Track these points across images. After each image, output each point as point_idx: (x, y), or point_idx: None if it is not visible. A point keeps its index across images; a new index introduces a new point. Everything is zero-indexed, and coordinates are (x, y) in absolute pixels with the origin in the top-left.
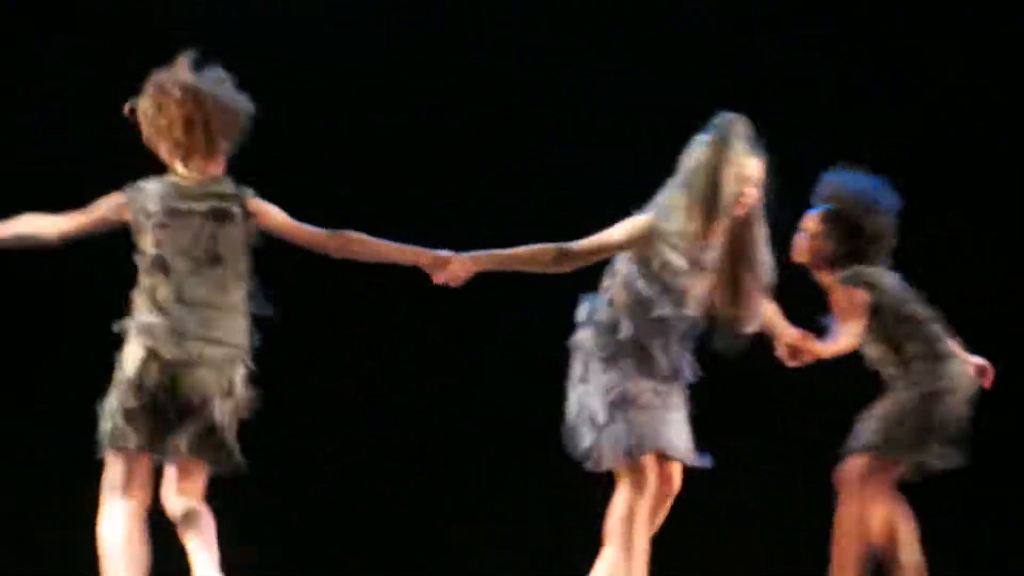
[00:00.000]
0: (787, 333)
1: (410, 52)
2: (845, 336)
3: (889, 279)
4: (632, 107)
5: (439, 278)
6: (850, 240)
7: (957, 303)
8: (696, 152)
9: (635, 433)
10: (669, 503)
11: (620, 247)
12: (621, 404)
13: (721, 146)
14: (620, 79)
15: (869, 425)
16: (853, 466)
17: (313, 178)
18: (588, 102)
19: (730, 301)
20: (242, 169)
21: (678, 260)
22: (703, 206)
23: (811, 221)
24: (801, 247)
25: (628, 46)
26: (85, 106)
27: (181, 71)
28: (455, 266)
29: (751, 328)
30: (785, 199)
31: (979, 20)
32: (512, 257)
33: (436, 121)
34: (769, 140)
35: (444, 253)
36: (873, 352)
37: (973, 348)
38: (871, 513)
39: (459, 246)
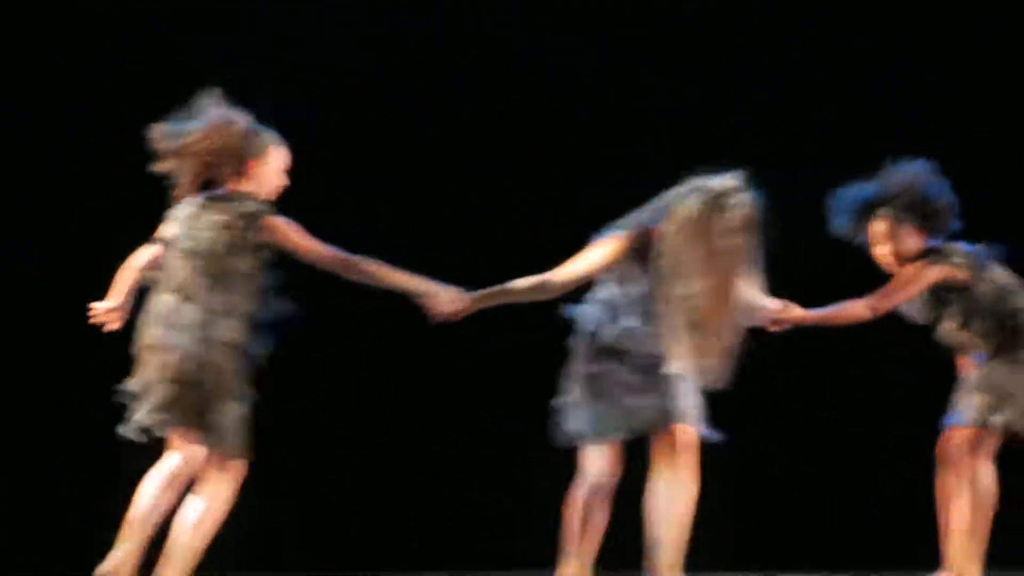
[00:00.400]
0: (767, 304)
1: (411, 51)
2: (862, 307)
3: (972, 252)
4: (632, 107)
5: (434, 312)
6: (923, 228)
7: None
8: (688, 209)
9: (586, 421)
10: (678, 473)
11: (601, 269)
12: (587, 392)
13: (716, 214)
14: (620, 79)
15: (972, 399)
16: (960, 439)
17: (315, 179)
18: (588, 102)
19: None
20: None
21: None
22: (693, 265)
23: (879, 233)
24: (886, 260)
25: (628, 46)
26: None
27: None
28: (447, 302)
29: (714, 362)
30: (788, 197)
31: (979, 20)
32: (506, 291)
33: (436, 120)
34: (769, 139)
35: (443, 289)
36: (954, 325)
37: None
38: (981, 480)
39: (456, 245)
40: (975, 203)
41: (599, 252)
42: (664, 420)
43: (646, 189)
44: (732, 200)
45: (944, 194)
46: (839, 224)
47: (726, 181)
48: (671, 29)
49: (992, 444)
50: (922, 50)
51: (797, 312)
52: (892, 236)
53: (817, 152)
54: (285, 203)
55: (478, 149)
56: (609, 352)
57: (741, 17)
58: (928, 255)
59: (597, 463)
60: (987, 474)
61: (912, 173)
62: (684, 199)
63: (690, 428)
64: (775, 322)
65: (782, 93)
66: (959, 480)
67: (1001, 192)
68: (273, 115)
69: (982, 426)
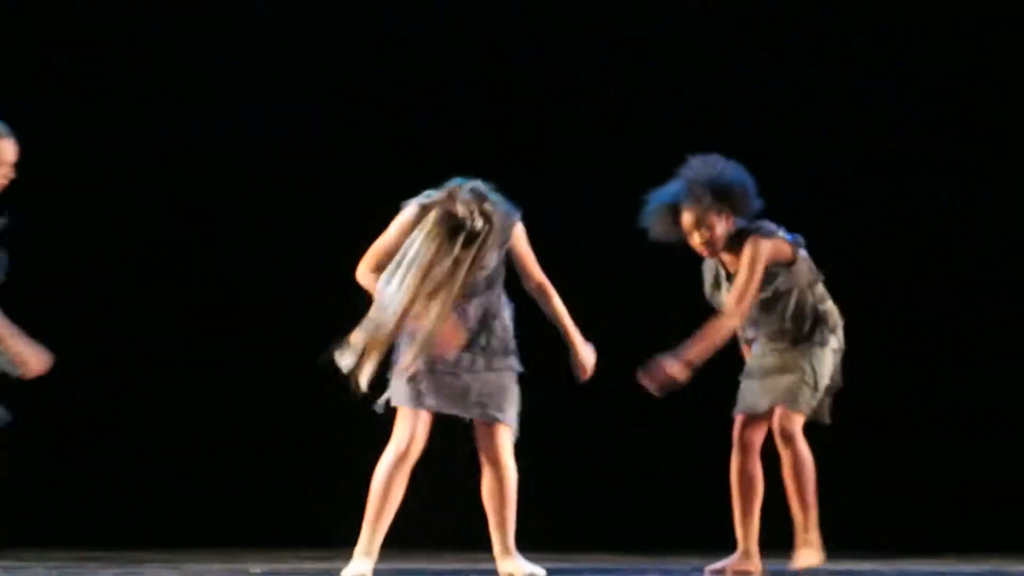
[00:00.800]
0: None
1: (411, 51)
2: (727, 317)
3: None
4: (632, 107)
5: (27, 374)
6: (729, 210)
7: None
8: (429, 222)
9: (393, 390)
10: (497, 464)
11: (398, 241)
12: (395, 366)
13: (446, 234)
14: (620, 79)
15: (782, 382)
16: (789, 423)
17: (315, 179)
18: (588, 102)
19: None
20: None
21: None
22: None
23: (688, 223)
24: (703, 247)
25: (628, 46)
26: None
27: None
28: (36, 364)
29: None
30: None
31: (979, 20)
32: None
33: (436, 120)
34: (769, 139)
35: (35, 352)
36: (764, 305)
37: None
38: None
39: None
40: (975, 203)
41: (396, 224)
42: (478, 412)
43: (646, 189)
44: (463, 222)
45: (742, 175)
46: (652, 230)
47: (465, 201)
48: (671, 29)
49: (800, 425)
50: (922, 50)
51: (675, 367)
52: (701, 223)
53: (817, 152)
54: (285, 202)
55: (478, 149)
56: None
57: (741, 17)
58: (748, 233)
59: (404, 432)
60: (807, 451)
61: (706, 162)
62: (435, 206)
63: (504, 424)
64: (655, 382)
65: (782, 93)
66: (783, 462)
67: (1001, 192)
68: (273, 115)
69: (797, 409)
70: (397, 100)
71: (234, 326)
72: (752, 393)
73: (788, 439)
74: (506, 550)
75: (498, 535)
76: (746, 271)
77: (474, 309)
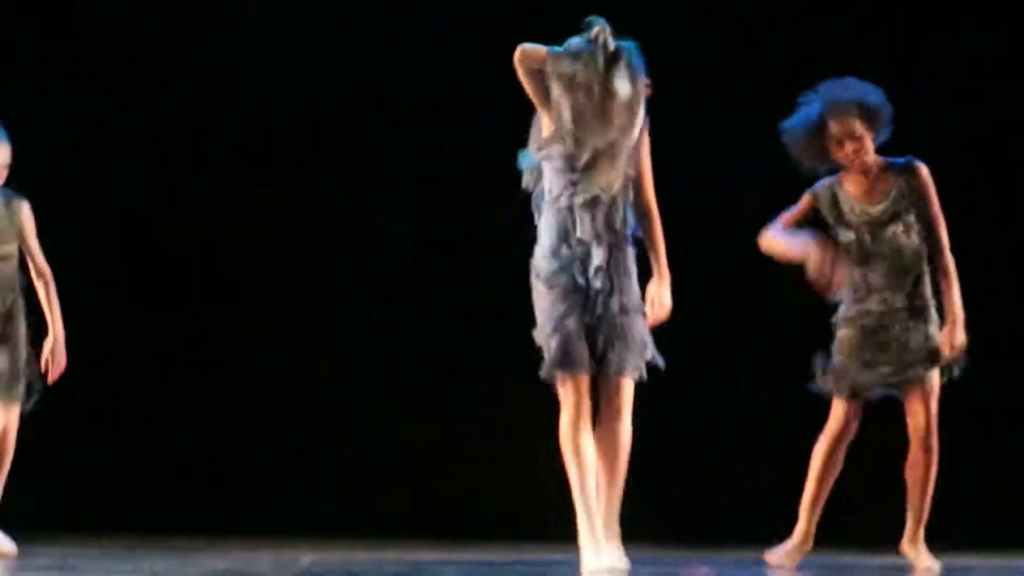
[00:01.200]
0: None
1: (411, 51)
2: (946, 259)
3: None
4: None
5: None
6: (874, 127)
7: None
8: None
9: (549, 353)
10: (618, 419)
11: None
12: (543, 326)
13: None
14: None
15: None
16: (935, 410)
17: (315, 179)
18: None
19: None
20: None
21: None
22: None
23: (841, 131)
24: (854, 156)
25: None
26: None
27: None
28: None
29: None
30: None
31: (979, 20)
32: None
33: (436, 120)
34: (769, 137)
35: None
36: (917, 247)
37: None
38: None
39: (456, 245)
40: (975, 203)
41: None
42: (601, 366)
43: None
44: (598, 35)
45: (883, 97)
46: (795, 150)
47: (600, 25)
48: (671, 29)
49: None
50: (921, 50)
51: (957, 337)
52: (852, 133)
53: None
54: (285, 202)
55: (478, 148)
56: (545, 268)
57: (741, 17)
58: (897, 166)
59: (569, 398)
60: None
61: (846, 83)
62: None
63: (629, 379)
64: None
65: (781, 92)
66: (932, 454)
67: (1001, 192)
68: (273, 115)
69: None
70: (397, 100)
71: (234, 326)
72: (879, 376)
73: (936, 429)
74: (606, 528)
75: (601, 507)
76: (936, 206)
77: (605, 212)
